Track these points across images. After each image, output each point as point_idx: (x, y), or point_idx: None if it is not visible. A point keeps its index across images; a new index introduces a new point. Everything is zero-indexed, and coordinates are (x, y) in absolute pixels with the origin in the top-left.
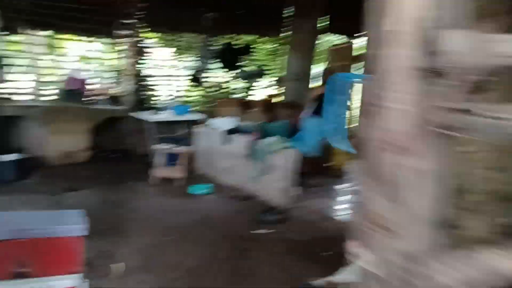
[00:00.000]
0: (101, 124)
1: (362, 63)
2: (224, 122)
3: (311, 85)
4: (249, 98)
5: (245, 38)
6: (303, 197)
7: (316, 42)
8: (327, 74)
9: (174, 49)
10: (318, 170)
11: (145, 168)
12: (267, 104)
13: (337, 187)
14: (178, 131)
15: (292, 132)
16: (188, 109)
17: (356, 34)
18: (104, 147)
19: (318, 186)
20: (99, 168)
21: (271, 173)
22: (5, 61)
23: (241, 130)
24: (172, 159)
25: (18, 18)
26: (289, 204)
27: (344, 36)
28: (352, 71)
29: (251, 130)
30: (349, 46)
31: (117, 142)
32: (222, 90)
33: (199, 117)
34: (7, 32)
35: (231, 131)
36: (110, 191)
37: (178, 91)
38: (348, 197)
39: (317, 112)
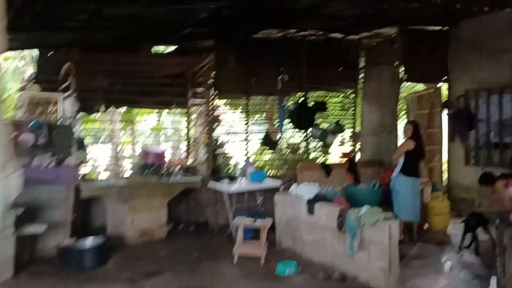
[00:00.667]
0: (177, 196)
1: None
2: (306, 189)
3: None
4: (328, 158)
5: (318, 94)
6: (406, 274)
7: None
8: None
9: (245, 113)
10: (414, 236)
11: (225, 242)
12: (350, 164)
13: (442, 257)
14: (256, 200)
15: (384, 195)
16: (265, 176)
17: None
18: (181, 220)
19: (418, 257)
20: (178, 245)
21: (368, 249)
22: (85, 141)
23: (326, 197)
24: (252, 233)
25: (94, 98)
26: (392, 286)
27: (422, 83)
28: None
29: (336, 196)
30: (436, 91)
31: (194, 215)
32: (299, 152)
33: (277, 183)
34: (84, 113)
35: (315, 199)
36: (193, 275)
37: (251, 155)
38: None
39: (407, 170)
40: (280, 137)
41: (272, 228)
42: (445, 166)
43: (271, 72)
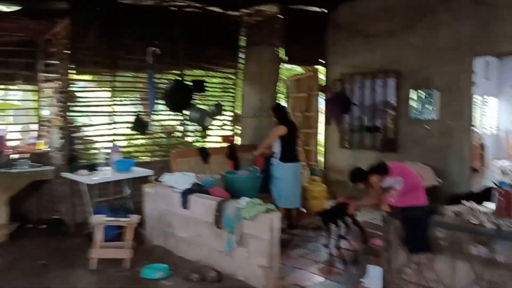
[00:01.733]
0: (23, 190)
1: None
2: (180, 178)
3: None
4: (207, 143)
5: (196, 73)
6: (286, 267)
7: (279, 73)
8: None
9: (111, 91)
10: (293, 222)
11: (83, 243)
12: (230, 149)
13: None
14: (122, 193)
15: (264, 181)
16: (133, 164)
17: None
18: (30, 219)
19: (298, 246)
20: (23, 251)
21: (248, 246)
22: None
23: (202, 188)
24: (115, 231)
25: None
26: (272, 283)
27: (302, 65)
28: (317, 100)
29: (214, 185)
30: (314, 75)
31: (46, 212)
32: (175, 136)
33: (148, 173)
34: None
35: (191, 190)
36: (38, 285)
37: (118, 141)
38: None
39: (285, 156)
40: (151, 119)
41: (143, 225)
42: (321, 149)
43: (141, 45)
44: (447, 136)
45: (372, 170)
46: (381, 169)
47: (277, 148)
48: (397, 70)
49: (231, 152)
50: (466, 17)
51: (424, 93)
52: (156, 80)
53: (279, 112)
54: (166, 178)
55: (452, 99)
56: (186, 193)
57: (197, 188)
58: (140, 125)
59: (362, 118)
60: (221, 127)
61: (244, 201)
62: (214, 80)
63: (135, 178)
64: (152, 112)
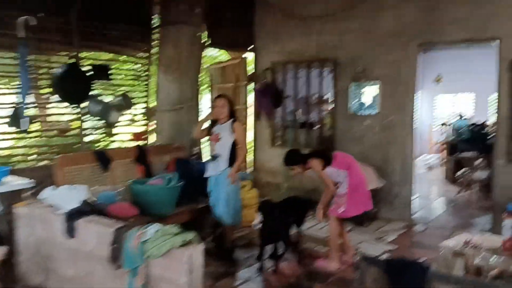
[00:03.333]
0: None
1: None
2: (67, 194)
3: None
4: (111, 143)
5: (97, 56)
6: None
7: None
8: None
9: None
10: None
11: None
12: (140, 151)
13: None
14: None
15: (187, 191)
16: (5, 173)
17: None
18: None
19: (226, 275)
20: None
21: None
22: None
23: (96, 208)
24: None
25: None
26: None
27: (227, 51)
28: (246, 92)
29: (115, 200)
30: (242, 62)
31: None
32: (68, 136)
33: (25, 185)
34: None
35: (79, 211)
36: None
37: None
38: None
39: (233, 157)
40: (24, 113)
41: (15, 258)
42: (251, 148)
43: (10, 14)
44: (389, 132)
45: (313, 154)
46: (324, 156)
47: (226, 149)
48: (334, 58)
49: (141, 154)
50: (411, 0)
51: (364, 84)
52: (39, 63)
53: (231, 104)
54: (47, 193)
55: (394, 91)
56: (72, 216)
57: (89, 208)
58: (17, 121)
59: (296, 113)
60: (131, 123)
61: (153, 229)
62: (124, 65)
63: (9, 191)
64: (25, 104)
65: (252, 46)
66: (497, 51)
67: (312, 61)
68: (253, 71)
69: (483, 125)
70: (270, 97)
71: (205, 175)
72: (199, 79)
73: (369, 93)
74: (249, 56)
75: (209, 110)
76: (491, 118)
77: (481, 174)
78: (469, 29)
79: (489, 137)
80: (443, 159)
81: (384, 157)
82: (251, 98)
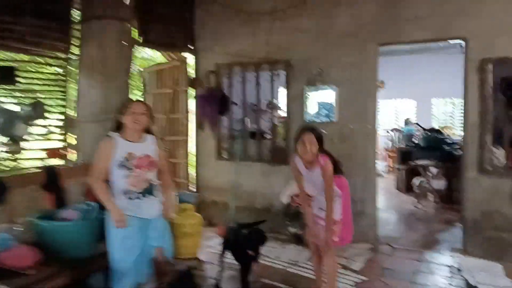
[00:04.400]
0: None
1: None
2: None
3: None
4: (18, 162)
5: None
6: None
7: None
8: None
9: None
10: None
11: None
12: (49, 174)
13: None
14: None
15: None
16: None
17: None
18: None
19: None
20: None
21: None
22: None
23: None
24: None
25: None
26: None
27: (164, 51)
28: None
29: (10, 245)
30: (182, 65)
31: None
32: None
33: None
34: None
35: None
36: None
37: None
38: None
39: None
40: None
41: None
42: (193, 162)
43: None
44: (349, 143)
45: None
46: (333, 162)
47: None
48: (287, 60)
49: (51, 178)
50: None
51: (320, 89)
52: None
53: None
54: None
55: (354, 97)
56: None
57: None
58: None
59: (244, 121)
60: (45, 137)
61: None
62: (33, 67)
63: None
64: None
65: (193, 46)
66: (464, 51)
67: (262, 63)
68: (195, 74)
69: (438, 132)
70: (215, 103)
71: (140, 215)
72: (129, 84)
73: (326, 99)
74: (190, 57)
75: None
76: (434, 124)
77: (438, 184)
78: (432, 28)
79: (445, 144)
80: (391, 167)
81: (344, 171)
82: (192, 105)
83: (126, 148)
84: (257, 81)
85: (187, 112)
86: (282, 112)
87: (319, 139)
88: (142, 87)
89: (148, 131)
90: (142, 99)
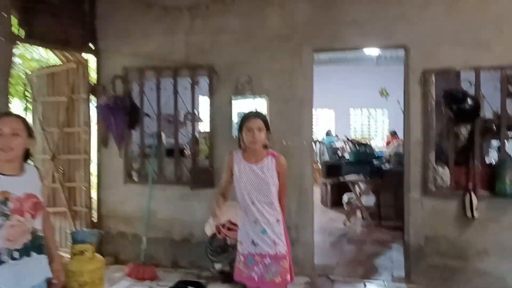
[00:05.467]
0: None
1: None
2: None
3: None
4: None
5: None
6: None
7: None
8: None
9: None
10: None
11: None
12: None
13: None
14: None
15: None
16: None
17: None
18: None
19: None
20: None
21: None
22: None
23: None
24: None
25: None
26: None
27: (57, 50)
28: (88, 108)
29: None
30: (79, 69)
31: None
32: None
33: None
34: None
35: None
36: None
37: None
38: None
39: None
40: None
41: None
42: (95, 186)
43: None
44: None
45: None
46: None
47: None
48: (210, 64)
49: None
50: None
51: (248, 99)
52: None
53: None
54: None
55: (287, 109)
56: None
57: None
58: None
59: (159, 137)
60: None
61: None
62: None
63: None
64: None
65: (95, 45)
66: (405, 60)
67: (180, 67)
68: (97, 80)
69: (367, 145)
70: (122, 115)
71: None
72: (9, 90)
73: (256, 109)
74: (91, 59)
75: None
76: (352, 135)
77: (367, 200)
78: (371, 33)
79: (374, 158)
80: (315, 180)
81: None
82: (94, 117)
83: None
84: (175, 89)
85: (87, 125)
86: (205, 125)
87: (267, 126)
88: (29, 94)
89: (26, 157)
90: (23, 110)
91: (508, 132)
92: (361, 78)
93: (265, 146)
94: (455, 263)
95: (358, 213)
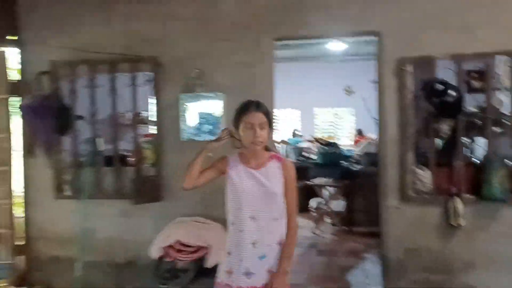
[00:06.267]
0: None
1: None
2: None
3: None
4: None
5: None
6: None
7: None
8: None
9: None
10: None
11: None
12: None
13: None
14: None
15: None
16: None
17: None
18: None
19: None
20: None
21: None
22: None
23: None
24: None
25: None
26: None
27: None
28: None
29: None
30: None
31: None
32: None
33: None
34: None
35: None
36: None
37: None
38: None
39: None
40: None
41: None
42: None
43: None
44: None
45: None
46: None
47: None
48: (154, 57)
49: None
50: None
51: (202, 97)
52: None
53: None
54: None
55: None
56: None
57: None
58: None
59: (95, 142)
60: None
61: None
62: None
63: None
64: None
65: (16, 36)
66: (378, 49)
67: (119, 61)
68: (20, 77)
69: (335, 145)
70: (50, 118)
71: None
72: None
73: (210, 109)
74: (12, 52)
75: None
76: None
77: (337, 205)
78: (341, 19)
79: (343, 159)
80: None
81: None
82: (16, 121)
83: None
84: (113, 86)
85: (8, 130)
86: (151, 128)
87: (270, 122)
88: None
89: None
90: None
91: (495, 128)
92: (326, 76)
93: (266, 148)
94: (439, 278)
95: (328, 219)
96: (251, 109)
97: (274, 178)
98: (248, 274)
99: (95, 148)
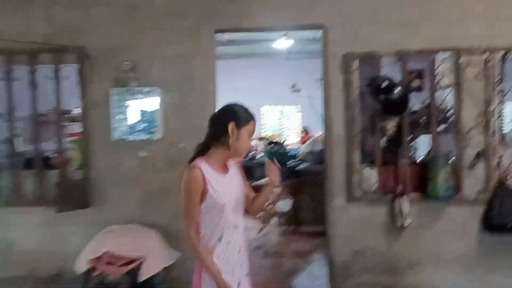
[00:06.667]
0: None
1: None
2: None
3: None
4: None
5: None
6: None
7: None
8: None
9: None
10: None
11: None
12: None
13: None
14: None
15: None
16: None
17: None
18: None
19: None
20: None
21: None
22: None
23: None
24: None
25: None
26: None
27: None
28: None
29: None
30: None
31: None
32: None
33: None
34: None
35: None
36: None
37: None
38: None
39: None
40: None
41: None
42: None
43: None
44: (180, 168)
45: None
46: None
47: None
48: (80, 47)
49: None
50: None
51: (135, 92)
52: None
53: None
54: None
55: (185, 103)
56: None
57: None
58: None
59: (13, 143)
60: None
61: None
62: None
63: None
64: None
65: None
66: (323, 43)
67: (41, 51)
68: None
69: (280, 144)
70: None
71: None
72: None
73: (145, 106)
74: None
75: None
76: (264, 133)
77: (284, 205)
78: (285, 11)
79: (288, 158)
80: None
81: (175, 210)
82: None
83: None
84: (33, 79)
85: None
86: (77, 127)
87: None
88: None
89: None
90: None
91: (439, 126)
92: (272, 74)
93: None
94: (387, 279)
95: (274, 220)
96: (254, 118)
97: (237, 180)
98: (239, 285)
99: (13, 149)
